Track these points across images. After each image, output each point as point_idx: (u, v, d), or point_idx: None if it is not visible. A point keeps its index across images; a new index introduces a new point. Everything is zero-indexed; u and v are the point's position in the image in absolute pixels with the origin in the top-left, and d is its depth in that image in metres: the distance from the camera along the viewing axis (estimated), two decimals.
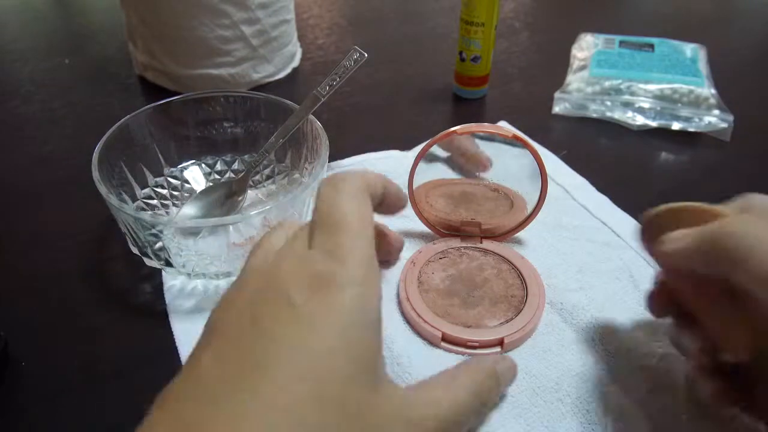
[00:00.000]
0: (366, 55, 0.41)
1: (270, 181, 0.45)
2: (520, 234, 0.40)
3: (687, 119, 0.54)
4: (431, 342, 0.34)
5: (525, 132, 0.47)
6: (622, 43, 0.64)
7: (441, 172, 0.43)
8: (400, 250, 0.38)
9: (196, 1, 0.53)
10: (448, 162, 0.45)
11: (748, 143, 0.52)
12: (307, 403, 0.19)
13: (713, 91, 0.56)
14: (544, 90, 0.59)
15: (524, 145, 0.37)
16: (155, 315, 0.36)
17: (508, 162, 0.40)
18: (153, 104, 0.42)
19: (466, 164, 0.43)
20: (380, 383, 0.22)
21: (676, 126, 0.54)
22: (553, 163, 0.48)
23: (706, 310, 0.28)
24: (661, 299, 0.31)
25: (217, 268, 0.36)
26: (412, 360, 0.32)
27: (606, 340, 0.33)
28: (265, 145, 0.42)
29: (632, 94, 0.56)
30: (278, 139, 0.42)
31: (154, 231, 0.35)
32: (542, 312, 0.35)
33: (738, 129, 0.52)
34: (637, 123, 0.54)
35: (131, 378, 0.32)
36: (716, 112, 0.53)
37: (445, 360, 0.33)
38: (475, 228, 0.40)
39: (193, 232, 0.36)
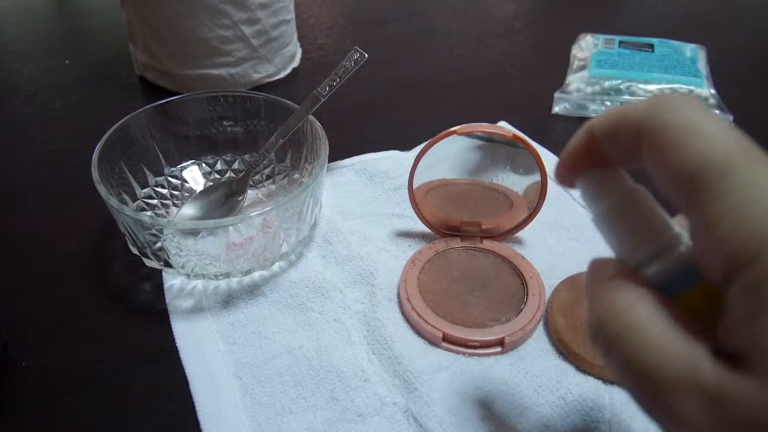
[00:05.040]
0: (366, 56, 0.41)
1: (270, 181, 0.45)
2: (520, 234, 0.40)
3: None
4: (432, 342, 0.34)
5: (525, 132, 0.47)
6: (622, 43, 0.64)
7: (441, 172, 0.43)
8: None
9: (197, 1, 0.53)
10: (448, 162, 0.45)
11: None
12: None
13: (713, 91, 0.56)
14: (544, 90, 0.59)
15: (524, 145, 0.37)
16: (155, 315, 0.36)
17: (508, 162, 0.40)
18: (153, 104, 0.42)
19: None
20: None
21: None
22: (553, 163, 0.48)
23: None
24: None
25: (216, 268, 0.36)
26: (413, 360, 0.32)
27: None
28: (265, 145, 0.42)
29: (632, 94, 0.56)
30: (278, 139, 0.42)
31: (153, 231, 0.35)
32: (542, 312, 0.35)
33: (738, 129, 0.52)
34: None
35: (131, 378, 0.32)
36: (716, 112, 0.53)
37: (446, 360, 0.33)
38: (475, 228, 0.40)
39: (192, 233, 0.36)
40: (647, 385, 0.17)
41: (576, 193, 0.45)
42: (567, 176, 0.23)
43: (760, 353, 0.15)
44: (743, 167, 0.17)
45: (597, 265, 0.21)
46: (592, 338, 0.20)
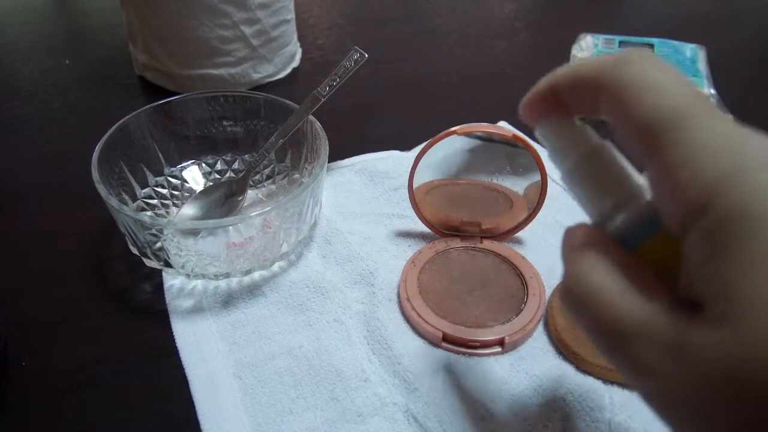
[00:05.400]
0: (366, 56, 0.41)
1: (270, 181, 0.45)
2: (520, 234, 0.40)
3: None
4: (432, 342, 0.34)
5: (525, 132, 0.47)
6: (622, 44, 0.64)
7: (441, 172, 0.43)
8: None
9: (197, 1, 0.52)
10: (448, 162, 0.45)
11: None
12: None
13: (713, 91, 0.56)
14: None
15: (524, 145, 0.37)
16: (155, 315, 0.36)
17: (508, 162, 0.40)
18: (153, 104, 0.42)
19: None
20: None
21: None
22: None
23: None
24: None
25: (216, 268, 0.36)
26: (413, 360, 0.32)
27: None
28: (265, 145, 0.42)
29: None
30: (278, 139, 0.42)
31: (153, 231, 0.35)
32: (542, 312, 0.35)
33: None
34: None
35: (131, 378, 0.32)
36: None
37: (446, 360, 0.33)
38: (475, 228, 0.40)
39: (192, 233, 0.36)
40: (611, 343, 0.18)
41: None
42: (528, 116, 0.24)
43: (716, 296, 0.15)
44: (694, 117, 0.17)
45: (569, 232, 0.22)
46: (562, 304, 0.20)
